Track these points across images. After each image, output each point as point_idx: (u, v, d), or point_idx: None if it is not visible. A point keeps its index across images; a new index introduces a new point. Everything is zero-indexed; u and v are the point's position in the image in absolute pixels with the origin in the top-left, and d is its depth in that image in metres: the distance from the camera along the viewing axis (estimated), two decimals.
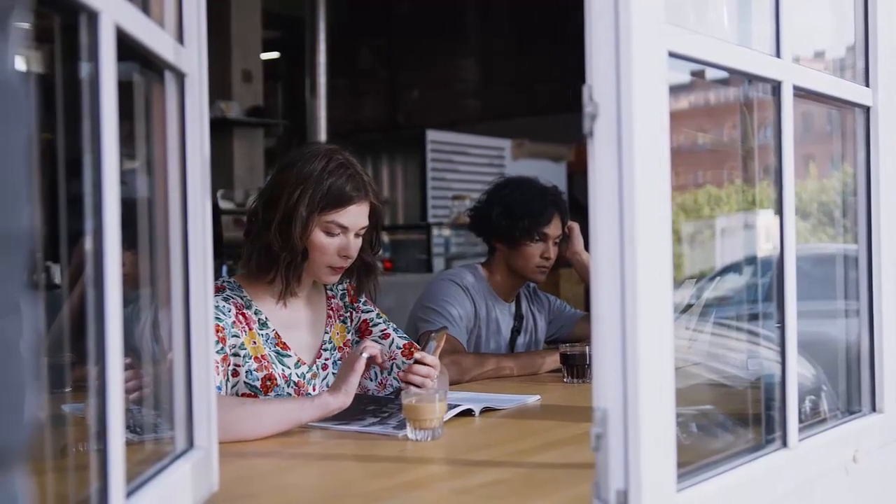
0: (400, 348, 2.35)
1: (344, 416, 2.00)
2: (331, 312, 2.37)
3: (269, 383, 2.17)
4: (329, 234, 2.19)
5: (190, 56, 1.34)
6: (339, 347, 2.35)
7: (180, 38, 1.33)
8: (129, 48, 1.09)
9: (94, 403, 0.99)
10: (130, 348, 1.16)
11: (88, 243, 0.97)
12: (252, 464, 1.75)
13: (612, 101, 1.17)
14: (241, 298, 2.22)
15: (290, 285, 2.22)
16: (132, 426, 1.29)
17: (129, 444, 1.06)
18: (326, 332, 2.34)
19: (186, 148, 1.34)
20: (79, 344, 1.06)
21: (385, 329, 2.39)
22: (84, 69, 0.98)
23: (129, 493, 1.07)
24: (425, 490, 1.57)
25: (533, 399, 2.36)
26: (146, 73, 1.29)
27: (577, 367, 2.65)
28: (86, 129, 0.97)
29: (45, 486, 1.04)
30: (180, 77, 1.32)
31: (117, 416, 1.01)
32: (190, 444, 1.36)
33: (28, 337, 0.54)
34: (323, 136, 9.10)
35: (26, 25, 0.57)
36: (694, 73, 1.48)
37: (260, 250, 2.19)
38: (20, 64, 0.56)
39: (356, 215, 2.20)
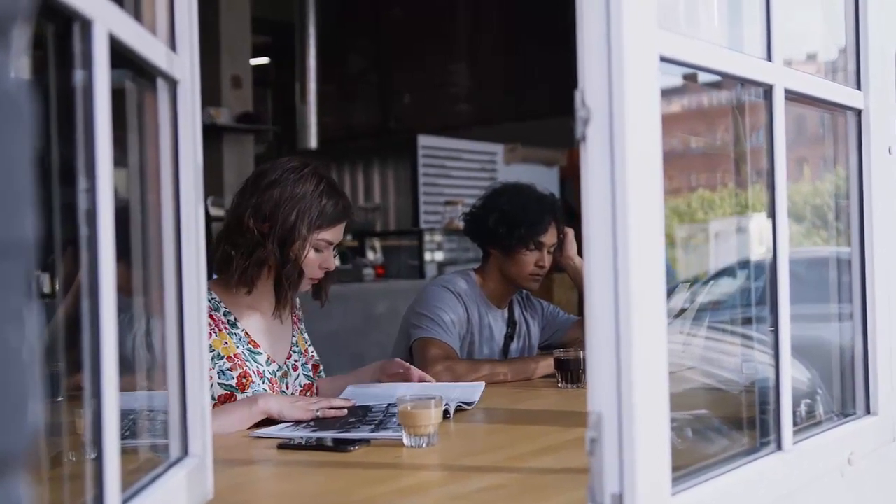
0: (301, 386, 2.41)
1: (341, 428, 2.00)
2: (295, 319, 2.46)
3: (244, 381, 2.22)
4: (317, 250, 2.29)
5: (182, 63, 1.34)
6: (303, 352, 2.44)
7: (172, 44, 1.32)
8: (120, 55, 1.09)
9: (90, 412, 0.99)
10: (124, 357, 1.16)
11: (83, 252, 0.97)
12: (246, 471, 1.74)
13: (604, 106, 1.17)
14: (209, 301, 2.24)
15: (289, 299, 2.32)
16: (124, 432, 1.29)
17: (122, 451, 1.06)
18: (293, 336, 2.43)
19: (179, 155, 1.34)
20: (72, 353, 1.06)
21: (297, 360, 2.46)
22: (77, 76, 0.97)
23: (124, 502, 1.07)
24: (423, 496, 1.57)
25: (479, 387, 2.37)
26: (138, 80, 1.29)
27: (571, 372, 2.65)
28: (79, 137, 0.97)
29: (41, 494, 1.04)
30: (173, 84, 1.32)
31: (112, 425, 1.00)
32: (184, 451, 1.35)
33: (30, 344, 0.54)
34: (314, 142, 9.09)
35: (28, 35, 0.57)
36: (686, 77, 1.48)
37: (255, 264, 2.24)
38: (22, 73, 0.56)
39: (342, 232, 2.34)
